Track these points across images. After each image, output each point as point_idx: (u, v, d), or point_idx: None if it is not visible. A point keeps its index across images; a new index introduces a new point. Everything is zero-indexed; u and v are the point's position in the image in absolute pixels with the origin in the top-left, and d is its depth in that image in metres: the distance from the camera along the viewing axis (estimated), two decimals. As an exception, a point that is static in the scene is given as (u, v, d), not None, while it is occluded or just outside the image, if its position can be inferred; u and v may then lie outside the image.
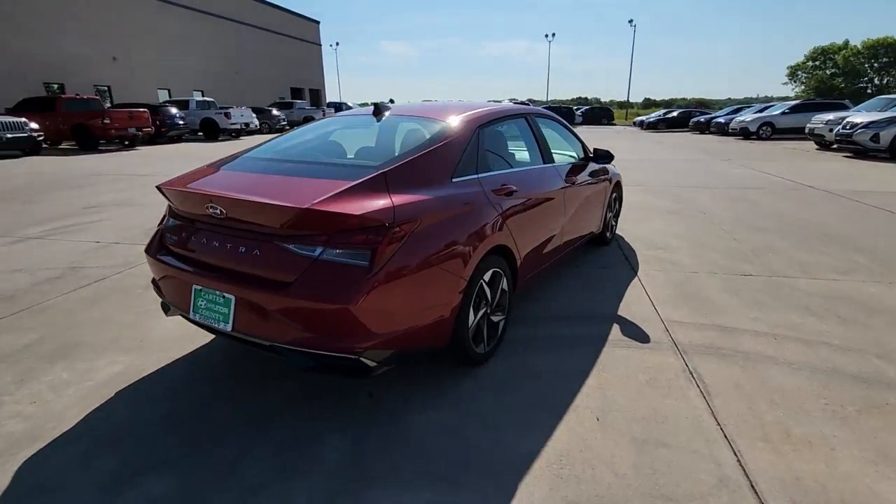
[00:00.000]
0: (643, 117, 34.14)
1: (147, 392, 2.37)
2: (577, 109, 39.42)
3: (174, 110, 20.51)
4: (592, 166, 4.06)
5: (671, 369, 2.53)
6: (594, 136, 22.60)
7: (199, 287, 2.11)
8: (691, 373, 2.49)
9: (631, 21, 45.75)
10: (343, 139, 2.87)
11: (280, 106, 30.01)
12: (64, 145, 17.63)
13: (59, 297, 3.53)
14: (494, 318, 2.62)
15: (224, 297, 2.02)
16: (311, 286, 1.83)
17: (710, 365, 2.56)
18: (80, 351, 2.75)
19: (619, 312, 3.22)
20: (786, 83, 51.07)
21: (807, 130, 15.84)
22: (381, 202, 1.94)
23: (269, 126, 26.88)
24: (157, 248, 2.36)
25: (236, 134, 23.19)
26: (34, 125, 14.95)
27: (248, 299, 1.95)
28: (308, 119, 29.02)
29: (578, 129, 29.55)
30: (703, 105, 53.84)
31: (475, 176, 2.50)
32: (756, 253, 4.43)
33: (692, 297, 3.44)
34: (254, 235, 1.99)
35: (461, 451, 1.94)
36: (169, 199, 2.30)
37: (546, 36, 52.68)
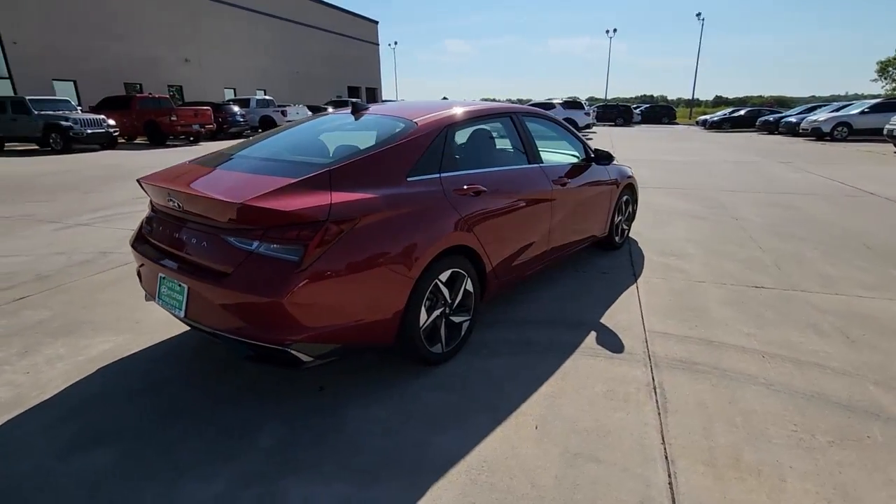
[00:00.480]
0: (707, 116, 32.27)
1: (124, 370, 2.56)
2: (635, 108, 37.90)
3: (236, 108, 21.73)
4: (595, 168, 3.92)
5: (634, 382, 2.41)
6: (644, 136, 21.68)
7: (163, 275, 2.25)
8: (655, 387, 2.36)
9: (699, 14, 43.31)
10: (328, 138, 2.95)
11: (336, 104, 30.97)
12: (138, 140, 19.14)
13: (83, 280, 3.87)
14: (456, 319, 2.61)
15: (180, 285, 2.15)
16: (244, 278, 1.92)
17: (678, 380, 2.42)
18: (83, 329, 3.01)
19: (603, 320, 3.10)
20: (875, 80, 46.18)
21: (885, 132, 14.37)
22: (317, 199, 1.99)
23: (324, 123, 27.91)
24: (136, 238, 2.54)
25: (292, 131, 24.25)
26: (111, 122, 16.37)
27: (196, 288, 2.06)
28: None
29: (634, 129, 28.46)
30: (782, 104, 50.01)
31: (436, 175, 2.50)
32: (778, 264, 4.10)
33: (687, 308, 3.25)
34: (204, 228, 2.10)
35: (389, 448, 1.96)
36: (146, 193, 2.46)
37: (607, 32, 50.95)
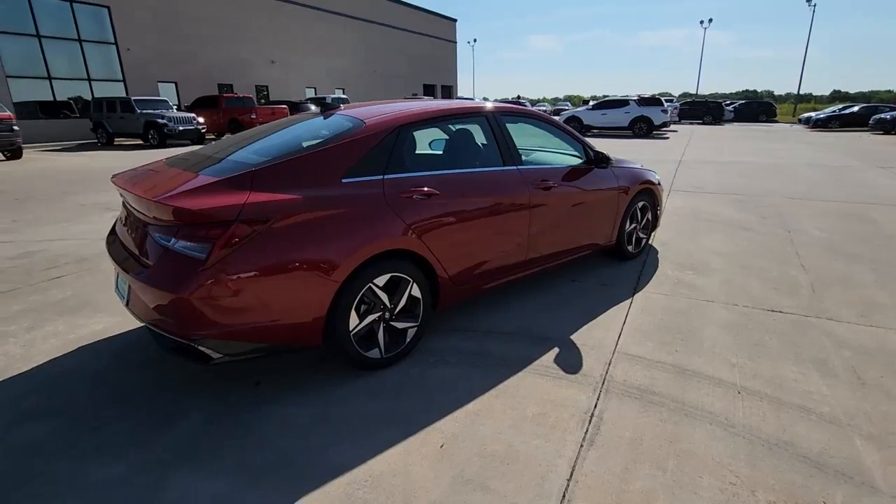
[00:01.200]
0: (812, 113, 28.85)
1: (99, 350, 2.79)
2: (728, 104, 34.84)
3: (312, 107, 22.95)
4: (597, 172, 3.64)
5: (572, 407, 2.21)
6: (730, 136, 19.87)
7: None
8: (592, 416, 2.15)
9: (809, 0, 38.80)
10: (298, 137, 2.99)
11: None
12: (225, 137, 20.83)
13: (110, 264, 4.27)
14: (399, 325, 2.55)
15: (124, 277, 2.29)
16: (157, 273, 2.01)
17: (623, 410, 2.18)
18: (86, 310, 3.33)
19: (574, 336, 2.87)
20: None
21: None
22: (230, 199, 2.02)
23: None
24: (109, 233, 2.76)
25: (364, 128, 25.20)
26: (200, 119, 17.99)
27: (130, 281, 2.19)
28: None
29: (725, 128, 26.06)
30: (909, 100, 43.37)
31: (379, 177, 2.44)
32: (815, 286, 3.57)
33: (677, 330, 2.92)
34: (140, 224, 2.22)
35: (288, 451, 1.96)
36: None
37: (701, 22, 47.25)
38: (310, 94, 30.15)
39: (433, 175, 2.66)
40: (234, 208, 2.00)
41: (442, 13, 45.06)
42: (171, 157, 2.84)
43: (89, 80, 20.31)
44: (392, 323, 2.53)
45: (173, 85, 23.22)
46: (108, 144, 17.86)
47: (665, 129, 21.67)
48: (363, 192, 2.36)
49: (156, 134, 16.79)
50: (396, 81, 38.38)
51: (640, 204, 4.13)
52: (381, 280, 2.41)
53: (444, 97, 44.66)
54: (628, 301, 3.36)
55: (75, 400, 2.32)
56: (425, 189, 2.56)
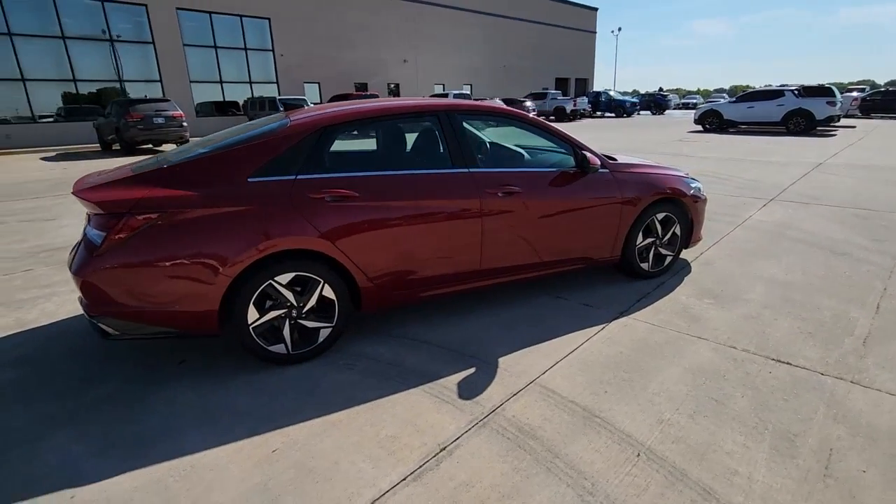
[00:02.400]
0: None
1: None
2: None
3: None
4: (592, 177, 3.21)
5: (432, 436, 2.02)
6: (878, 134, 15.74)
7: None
8: (444, 448, 1.94)
9: None
10: (236, 138, 3.05)
11: (534, 96, 31.00)
12: (351, 131, 22.67)
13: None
14: (309, 325, 2.58)
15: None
16: (74, 255, 2.31)
17: (483, 449, 1.93)
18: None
19: (504, 358, 2.60)
20: None
21: None
22: (129, 193, 2.24)
23: (519, 116, 28.38)
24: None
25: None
26: (330, 116, 19.88)
27: None
28: (559, 109, 29.25)
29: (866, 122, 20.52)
30: None
31: (290, 177, 2.47)
32: (872, 337, 2.70)
33: (627, 369, 2.46)
34: (89, 212, 2.57)
35: (149, 430, 2.11)
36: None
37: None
38: (438, 90, 31.25)
39: (353, 176, 2.61)
40: (129, 202, 2.21)
41: (582, 2, 43.00)
42: (143, 160, 3.23)
43: (250, 82, 23.69)
44: (301, 321, 2.56)
45: (317, 85, 25.92)
46: (258, 138, 20.72)
47: (833, 125, 17.97)
48: (268, 191, 2.42)
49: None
50: (527, 75, 37.82)
51: (661, 216, 3.54)
52: (284, 278, 2.45)
53: (577, 90, 42.78)
54: (600, 327, 2.92)
55: (33, 370, 2.77)
56: (340, 191, 2.52)
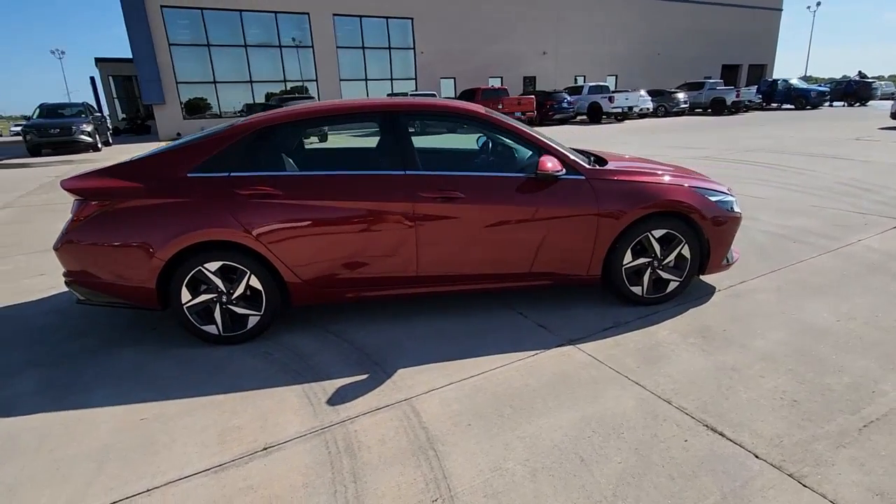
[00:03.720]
0: None
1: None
2: None
3: (565, 96, 22.84)
4: (564, 184, 2.85)
5: (268, 433, 2.05)
6: None
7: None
8: (264, 449, 1.96)
9: None
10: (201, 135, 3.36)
11: (689, 87, 27.78)
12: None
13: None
14: (238, 310, 2.78)
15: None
16: (62, 231, 2.84)
17: (299, 458, 1.90)
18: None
19: (403, 370, 2.49)
20: None
21: None
22: (90, 183, 2.66)
23: (666, 109, 25.74)
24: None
25: (621, 117, 23.64)
26: (456, 110, 20.40)
27: None
28: (717, 101, 25.84)
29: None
30: None
31: (225, 174, 2.68)
32: (884, 423, 1.95)
33: (520, 405, 2.16)
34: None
35: (76, 382, 2.53)
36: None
37: None
38: (580, 82, 29.90)
39: (278, 175, 2.72)
40: (88, 190, 2.64)
41: (765, -24, 36.96)
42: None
43: (391, 79, 25.48)
44: (230, 307, 2.78)
45: (452, 80, 26.77)
46: (392, 131, 22.25)
47: None
48: (203, 186, 2.66)
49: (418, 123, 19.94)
50: (685, 63, 33.99)
51: (659, 233, 2.97)
52: (213, 266, 2.68)
53: (749, 78, 37.09)
54: (532, 353, 2.60)
55: (31, 324, 3.44)
56: (262, 188, 2.66)
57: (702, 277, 3.49)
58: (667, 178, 3.02)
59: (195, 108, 22.03)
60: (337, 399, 2.28)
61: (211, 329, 2.79)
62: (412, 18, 24.82)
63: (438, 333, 2.87)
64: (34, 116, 16.78)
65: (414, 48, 25.37)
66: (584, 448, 1.89)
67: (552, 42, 29.00)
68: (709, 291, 3.30)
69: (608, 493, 1.67)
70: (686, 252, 3.04)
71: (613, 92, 23.66)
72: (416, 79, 25.87)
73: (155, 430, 2.11)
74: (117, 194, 2.64)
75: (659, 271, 3.06)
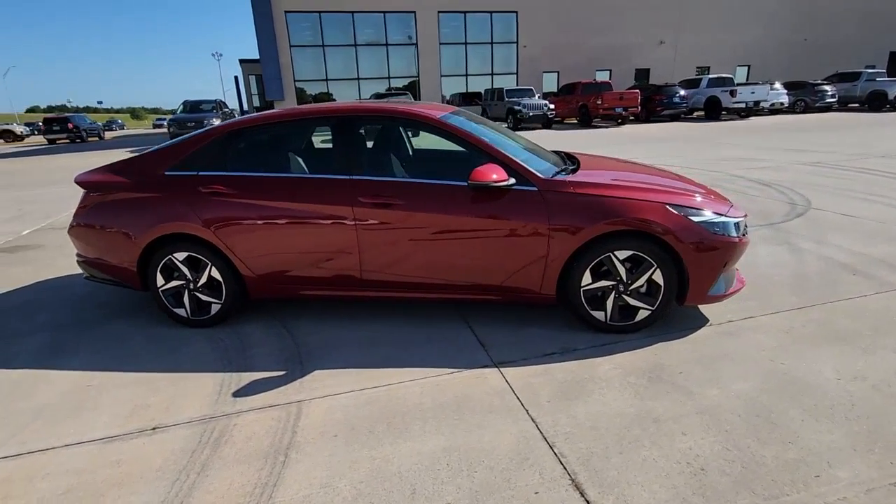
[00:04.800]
0: None
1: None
2: None
3: (677, 89, 20.83)
4: (517, 194, 2.66)
5: (168, 414, 2.24)
6: None
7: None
8: (153, 429, 2.15)
9: None
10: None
11: (840, 77, 23.72)
12: (568, 121, 21.94)
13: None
14: (202, 297, 3.05)
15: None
16: (78, 217, 3.33)
17: (172, 442, 2.06)
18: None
19: (319, 371, 2.53)
20: None
21: None
22: (92, 177, 3.08)
23: (806, 104, 22.29)
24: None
25: (745, 113, 20.96)
26: (552, 106, 19.72)
27: None
28: (875, 95, 21.77)
29: None
30: None
31: (193, 173, 2.93)
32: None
33: (397, 424, 2.09)
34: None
35: (67, 342, 2.97)
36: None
37: None
38: (698, 73, 27.10)
39: (232, 175, 2.90)
40: (90, 183, 3.07)
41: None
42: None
43: (492, 74, 25.38)
44: (196, 293, 3.05)
45: (556, 74, 25.88)
46: (487, 127, 22.17)
47: None
48: (175, 183, 2.95)
49: (511, 118, 19.65)
50: (842, 50, 29.00)
51: (624, 254, 2.64)
52: (181, 255, 2.97)
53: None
54: (450, 371, 2.48)
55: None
56: (218, 188, 2.87)
57: (700, 308, 3.03)
58: (639, 194, 2.66)
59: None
60: (242, 392, 2.40)
61: (181, 312, 3.10)
62: (517, 12, 24.43)
63: (376, 339, 2.86)
64: (178, 111, 19.67)
65: (517, 42, 24.97)
66: (424, 480, 1.78)
67: (672, 30, 26.58)
68: (698, 324, 2.85)
69: (413, 533, 1.56)
70: (658, 278, 2.66)
71: (738, 85, 21.03)
72: (517, 73, 25.48)
73: (90, 397, 2.41)
74: (110, 188, 3.03)
75: (625, 297, 2.72)
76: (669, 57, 27.04)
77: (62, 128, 26.04)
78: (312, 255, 2.89)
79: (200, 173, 2.95)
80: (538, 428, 2.03)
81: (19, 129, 35.92)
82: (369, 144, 2.94)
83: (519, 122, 19.36)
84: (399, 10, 23.12)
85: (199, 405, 2.31)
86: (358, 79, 23.86)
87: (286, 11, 22.00)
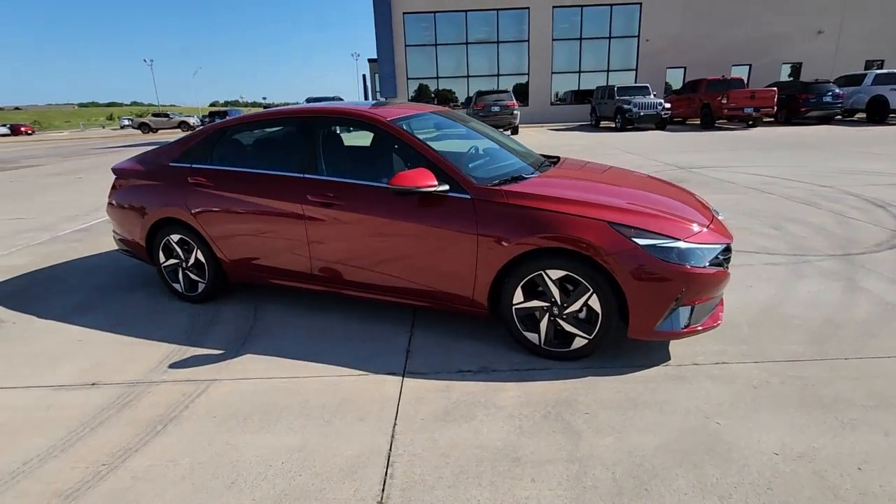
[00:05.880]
0: None
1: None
2: None
3: (831, 87, 17.68)
4: (453, 201, 2.56)
5: (118, 374, 2.58)
6: None
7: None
8: (91, 385, 2.49)
9: None
10: None
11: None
12: (690, 122, 19.79)
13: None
14: (192, 276, 3.43)
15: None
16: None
17: (96, 401, 2.37)
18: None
19: (251, 356, 2.71)
20: None
21: None
22: (122, 165, 3.62)
23: None
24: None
25: (921, 116, 17.12)
26: (667, 105, 18.01)
27: None
28: None
29: None
30: None
31: (188, 165, 3.29)
32: None
33: (267, 409, 2.17)
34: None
35: (89, 304, 3.54)
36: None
37: None
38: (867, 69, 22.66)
39: (209, 168, 3.21)
40: (117, 170, 3.61)
41: None
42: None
43: (608, 71, 23.94)
44: (187, 272, 3.44)
45: (682, 70, 23.58)
46: (595, 126, 20.98)
47: None
48: (175, 173, 3.34)
49: (619, 118, 18.36)
50: None
51: (558, 274, 2.39)
52: (175, 237, 3.37)
53: None
54: (358, 374, 2.48)
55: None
56: (199, 178, 3.19)
57: (675, 343, 2.63)
58: (580, 209, 2.38)
59: (418, 101, 25.07)
60: (177, 364, 2.67)
61: (178, 287, 3.51)
62: (640, 3, 22.67)
63: (323, 330, 2.97)
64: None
65: (638, 36, 23.21)
66: (249, 475, 1.83)
67: (835, 17, 22.57)
68: (653, 362, 2.48)
69: (204, 520, 1.63)
70: (595, 304, 2.37)
71: (914, 82, 17.20)
72: (636, 69, 23.71)
73: (71, 350, 2.87)
74: (131, 174, 3.54)
75: (560, 321, 2.47)
76: (828, 49, 22.99)
77: (222, 119, 30.46)
78: (272, 247, 3.08)
79: (193, 165, 3.31)
80: (391, 444, 1.96)
81: (192, 120, 42.64)
82: (331, 145, 3.03)
83: (627, 122, 18.01)
84: (512, 7, 22.88)
85: (138, 370, 2.62)
86: (468, 76, 24.15)
87: (404, 13, 23.05)
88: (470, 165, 2.91)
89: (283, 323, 3.12)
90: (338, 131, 3.16)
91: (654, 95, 19.14)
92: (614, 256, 2.26)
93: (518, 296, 2.51)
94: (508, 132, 18.76)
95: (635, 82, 23.02)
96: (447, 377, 2.44)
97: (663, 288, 2.27)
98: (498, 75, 24.11)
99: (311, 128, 3.02)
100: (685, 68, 23.52)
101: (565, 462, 1.83)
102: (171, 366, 2.66)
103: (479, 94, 18.28)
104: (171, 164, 3.42)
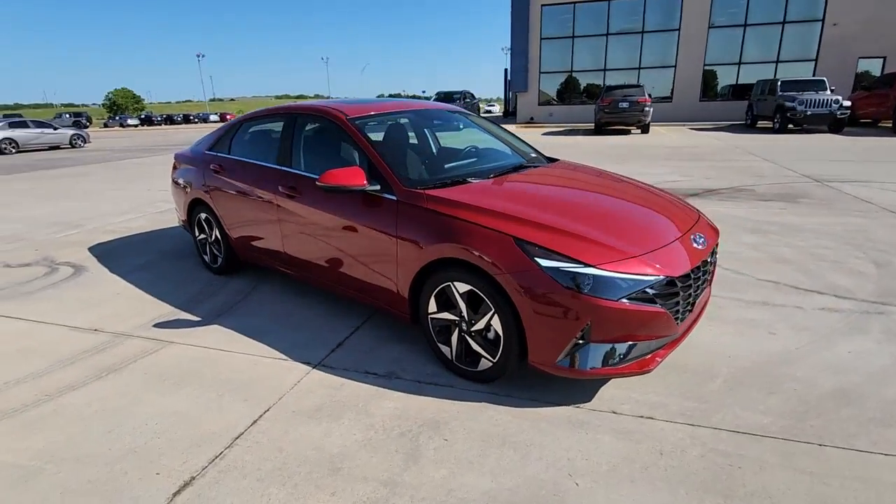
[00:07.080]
0: None
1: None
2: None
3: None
4: (388, 203, 2.53)
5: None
6: None
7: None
8: (95, 330, 3.03)
9: None
10: None
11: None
12: (883, 124, 15.93)
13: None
14: (214, 251, 3.92)
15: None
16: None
17: (77, 374, 2.89)
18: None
19: (213, 325, 3.03)
20: None
21: None
22: (178, 152, 4.25)
23: None
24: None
25: None
26: (846, 103, 14.78)
27: None
28: None
29: None
30: None
31: (214, 153, 3.75)
32: None
33: (190, 374, 2.42)
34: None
35: (140, 270, 4.26)
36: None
37: None
38: None
39: (224, 157, 3.60)
40: (176, 156, 4.25)
41: None
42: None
43: (777, 62, 20.45)
44: (211, 247, 3.94)
45: (881, 60, 19.11)
46: (750, 127, 18.13)
47: None
48: (204, 159, 3.84)
49: (779, 118, 15.60)
50: None
51: (464, 288, 2.22)
52: (203, 215, 3.89)
53: None
54: (279, 359, 2.62)
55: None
56: (215, 166, 3.61)
57: (615, 383, 2.27)
58: (493, 221, 2.17)
59: (547, 97, 24.23)
60: (161, 325, 3.10)
61: (206, 258, 4.05)
62: (829, -20, 18.85)
63: (290, 314, 3.18)
64: (432, 99, 22.75)
65: (822, 19, 19.34)
66: (104, 429, 2.08)
67: None
68: (568, 400, 2.18)
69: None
70: (497, 325, 2.16)
71: None
72: (815, 60, 19.83)
73: (107, 300, 3.50)
74: (182, 160, 4.16)
75: (468, 338, 2.30)
76: None
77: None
78: (260, 231, 3.37)
79: (216, 154, 3.77)
80: (246, 429, 2.06)
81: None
82: (306, 140, 3.18)
83: (789, 122, 15.23)
84: (665, -8, 20.79)
85: (131, 324, 3.11)
86: (605, 70, 22.67)
87: (543, 5, 22.47)
88: (421, 166, 2.84)
89: (264, 302, 3.41)
90: (313, 127, 3.29)
91: (832, 91, 15.85)
92: (513, 276, 2.03)
93: (432, 305, 2.40)
94: (638, 131, 17.27)
95: (814, 75, 19.31)
96: (350, 376, 2.45)
97: (564, 318, 1.97)
98: (639, 68, 22.21)
99: (292, 123, 3.22)
100: (884, 58, 19.00)
101: (378, 484, 1.74)
102: (156, 325, 3.10)
103: (608, 88, 17.10)
104: (206, 151, 3.93)
